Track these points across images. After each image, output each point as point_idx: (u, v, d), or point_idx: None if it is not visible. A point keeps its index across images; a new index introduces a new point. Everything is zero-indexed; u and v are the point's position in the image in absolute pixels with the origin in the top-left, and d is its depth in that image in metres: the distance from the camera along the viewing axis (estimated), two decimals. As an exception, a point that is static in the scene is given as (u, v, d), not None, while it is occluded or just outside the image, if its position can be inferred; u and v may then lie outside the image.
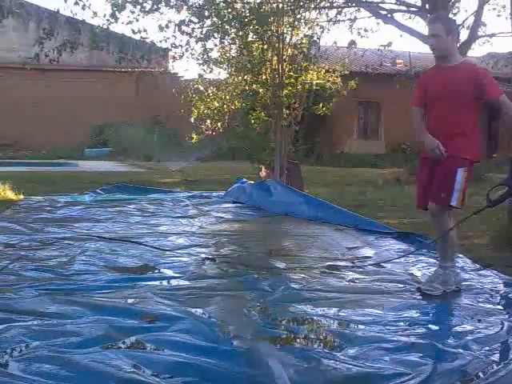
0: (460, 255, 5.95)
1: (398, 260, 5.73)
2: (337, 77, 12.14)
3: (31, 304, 4.02)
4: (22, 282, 4.58)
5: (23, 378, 2.80)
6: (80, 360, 3.01)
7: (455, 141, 4.56)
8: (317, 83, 11.91)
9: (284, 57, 11.63)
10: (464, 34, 14.90)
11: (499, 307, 4.29)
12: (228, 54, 12.22)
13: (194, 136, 12.78)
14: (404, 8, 14.64)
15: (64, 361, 3.00)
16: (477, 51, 19.49)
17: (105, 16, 12.58)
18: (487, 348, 3.37)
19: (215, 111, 12.25)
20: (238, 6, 11.69)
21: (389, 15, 14.64)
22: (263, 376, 2.87)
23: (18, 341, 3.29)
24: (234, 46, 12.17)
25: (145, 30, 12.95)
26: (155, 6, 11.74)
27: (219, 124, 12.38)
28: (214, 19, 11.74)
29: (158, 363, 3.04)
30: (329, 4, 13.50)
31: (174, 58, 13.02)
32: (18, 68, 19.09)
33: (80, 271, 5.04)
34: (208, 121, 12.41)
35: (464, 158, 4.55)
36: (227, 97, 12.30)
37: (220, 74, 12.80)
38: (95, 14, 13.11)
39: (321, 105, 12.25)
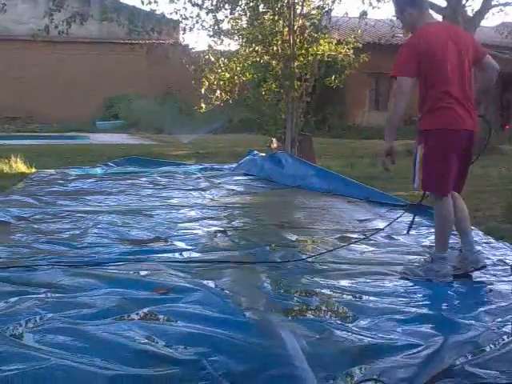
0: (472, 227, 5.94)
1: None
2: (349, 49, 12.01)
3: (45, 276, 4.05)
4: (35, 255, 4.61)
5: (38, 348, 2.82)
6: (94, 331, 3.04)
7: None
8: (328, 55, 11.80)
9: (295, 28, 11.53)
10: (477, 3, 14.73)
11: (511, 279, 4.28)
12: (239, 26, 12.12)
13: (203, 105, 12.71)
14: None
15: (78, 332, 3.03)
16: (490, 21, 19.27)
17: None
18: (499, 319, 3.37)
19: (226, 82, 12.19)
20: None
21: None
22: (276, 347, 2.88)
23: (32, 312, 3.31)
24: (244, 17, 12.08)
25: (155, 2, 12.90)
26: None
27: (229, 95, 12.32)
28: (225, -11, 11.66)
29: (171, 334, 3.06)
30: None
31: (184, 29, 12.96)
32: (28, 41, 19.08)
33: (93, 244, 5.06)
34: (218, 91, 12.34)
35: (420, 132, 4.30)
36: (238, 68, 12.22)
37: (230, 45, 12.75)
38: (104, -16, 13.07)
39: (333, 77, 12.13)
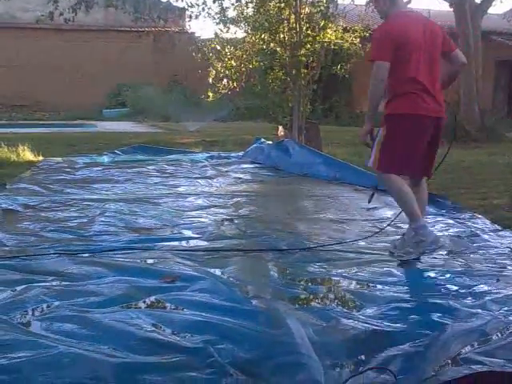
0: (479, 216, 5.94)
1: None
2: (356, 37, 11.93)
3: (52, 265, 4.06)
4: (42, 243, 4.63)
5: (45, 336, 2.84)
6: (101, 319, 3.05)
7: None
8: (335, 43, 11.73)
9: (301, 15, 11.46)
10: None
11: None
12: (245, 13, 12.07)
13: (210, 94, 12.68)
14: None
15: (85, 320, 3.04)
16: (498, 8, 19.16)
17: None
18: (506, 308, 3.37)
19: (232, 70, 12.15)
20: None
21: (409, -29, 14.36)
22: (282, 335, 2.88)
23: (40, 300, 3.33)
24: (250, 5, 12.02)
25: (161, -11, 12.85)
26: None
27: (235, 83, 12.27)
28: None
29: (178, 322, 3.07)
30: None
31: (190, 17, 12.91)
32: (35, 29, 19.04)
33: (100, 232, 5.07)
34: (225, 80, 12.30)
35: (384, 117, 4.47)
36: (244, 56, 12.17)
37: (236, 33, 12.68)
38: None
39: (339, 66, 12.08)
